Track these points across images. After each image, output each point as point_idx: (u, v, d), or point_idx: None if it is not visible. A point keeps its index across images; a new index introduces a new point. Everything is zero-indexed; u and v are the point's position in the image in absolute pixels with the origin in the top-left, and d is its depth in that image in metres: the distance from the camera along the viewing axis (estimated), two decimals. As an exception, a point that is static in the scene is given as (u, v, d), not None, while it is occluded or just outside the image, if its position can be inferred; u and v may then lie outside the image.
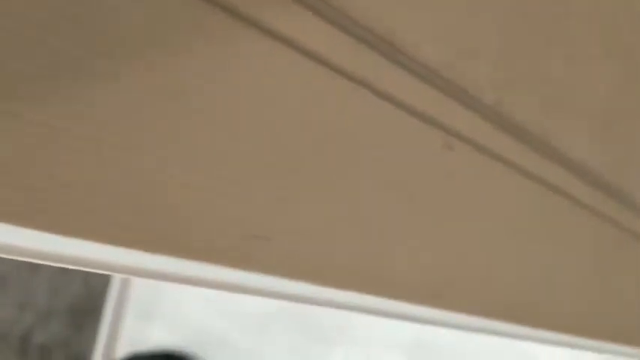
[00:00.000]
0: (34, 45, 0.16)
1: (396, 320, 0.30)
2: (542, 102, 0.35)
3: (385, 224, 0.27)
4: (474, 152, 0.31)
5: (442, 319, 0.32)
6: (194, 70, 0.20)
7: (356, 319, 1.04)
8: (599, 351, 0.48)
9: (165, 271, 0.21)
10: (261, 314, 1.16)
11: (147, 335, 1.28)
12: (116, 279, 1.32)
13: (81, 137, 0.17)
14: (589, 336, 0.43)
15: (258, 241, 0.22)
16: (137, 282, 1.32)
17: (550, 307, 0.39)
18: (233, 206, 0.21)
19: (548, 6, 0.34)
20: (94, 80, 0.17)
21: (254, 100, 0.21)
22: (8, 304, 1.24)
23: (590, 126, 0.40)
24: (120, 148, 0.18)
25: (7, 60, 0.16)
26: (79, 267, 0.19)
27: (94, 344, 1.31)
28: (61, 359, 1.31)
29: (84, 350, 1.32)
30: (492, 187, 0.32)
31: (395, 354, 0.99)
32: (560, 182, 0.37)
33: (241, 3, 0.20)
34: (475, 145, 0.30)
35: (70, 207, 0.17)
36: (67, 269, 1.30)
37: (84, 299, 1.33)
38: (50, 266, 1.26)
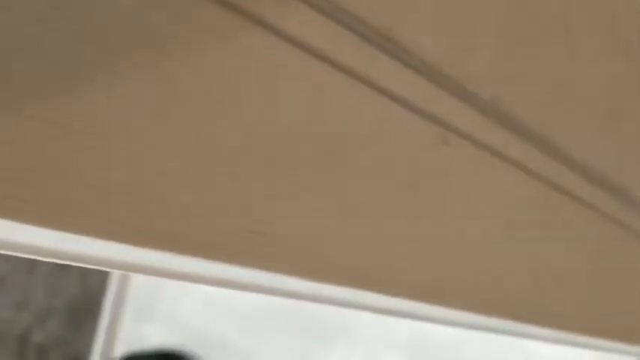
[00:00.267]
0: (42, 43, 0.16)
1: (395, 318, 0.30)
2: (540, 97, 0.35)
3: (383, 220, 0.26)
4: (472, 148, 0.30)
5: (442, 317, 0.32)
6: (194, 66, 0.20)
7: (355, 319, 1.04)
8: (602, 349, 0.48)
9: (162, 268, 0.21)
10: (259, 313, 1.16)
11: (145, 335, 1.28)
12: (114, 278, 1.31)
13: (80, 132, 0.17)
14: (590, 334, 0.43)
15: (257, 237, 0.22)
16: (135, 281, 1.32)
17: (550, 304, 0.39)
18: (231, 202, 0.21)
19: (548, 0, 0.34)
20: (97, 78, 0.17)
21: (252, 96, 0.21)
22: (6, 304, 1.24)
23: (590, 122, 0.40)
24: (118, 144, 0.18)
25: (13, 57, 0.15)
26: (77, 263, 0.19)
27: (92, 344, 1.31)
28: (59, 359, 1.31)
29: (82, 350, 1.32)
30: (490, 183, 0.32)
31: (395, 353, 0.99)
32: (560, 179, 0.37)
33: (238, -3, 0.20)
34: (473, 140, 0.30)
35: (67, 202, 0.17)
36: (65, 269, 1.29)
37: (82, 299, 1.33)
38: (48, 266, 1.26)
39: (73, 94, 0.17)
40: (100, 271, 1.31)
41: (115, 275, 1.31)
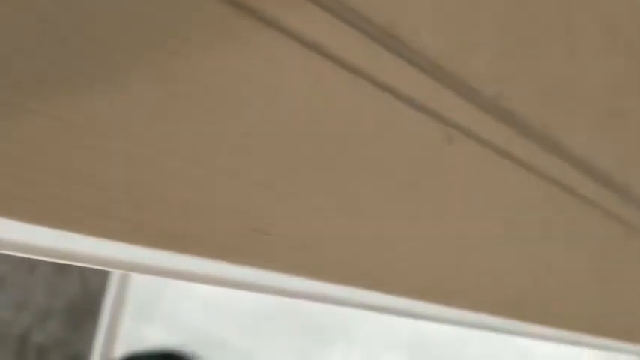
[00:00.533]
0: (48, 41, 0.16)
1: (396, 317, 0.30)
2: (543, 95, 0.35)
3: (386, 218, 0.26)
4: (475, 145, 0.30)
5: (444, 315, 0.32)
6: (197, 63, 0.19)
7: (355, 319, 1.04)
8: (605, 348, 0.48)
9: (163, 267, 0.21)
10: (259, 313, 1.16)
11: (145, 335, 1.27)
12: (114, 278, 1.31)
13: (82, 131, 0.17)
14: (592, 333, 0.43)
15: (258, 236, 0.22)
16: (135, 281, 1.32)
17: (553, 302, 0.39)
18: (232, 200, 0.21)
19: (549, -2, 0.34)
20: (103, 77, 0.17)
21: (253, 94, 0.21)
22: (6, 304, 1.24)
23: (592, 120, 0.39)
24: (121, 143, 0.18)
25: (16, 55, 0.15)
26: (79, 263, 0.19)
27: (92, 344, 1.31)
28: (59, 359, 1.30)
29: (82, 350, 1.32)
30: (493, 180, 0.32)
31: (395, 353, 0.99)
32: (562, 177, 0.37)
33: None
34: (476, 138, 0.30)
35: (68, 201, 0.17)
36: (65, 269, 1.29)
37: (82, 299, 1.33)
38: (48, 266, 1.26)
39: (76, 92, 0.17)
40: (100, 271, 1.31)
41: (115, 275, 1.31)
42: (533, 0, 0.33)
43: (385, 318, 0.98)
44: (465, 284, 0.31)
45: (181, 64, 0.19)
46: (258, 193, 0.22)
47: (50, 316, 1.29)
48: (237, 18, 0.20)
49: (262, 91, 0.21)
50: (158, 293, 1.29)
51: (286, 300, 0.22)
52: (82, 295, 1.33)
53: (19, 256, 0.18)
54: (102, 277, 1.33)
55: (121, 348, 1.29)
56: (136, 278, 1.31)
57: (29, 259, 0.19)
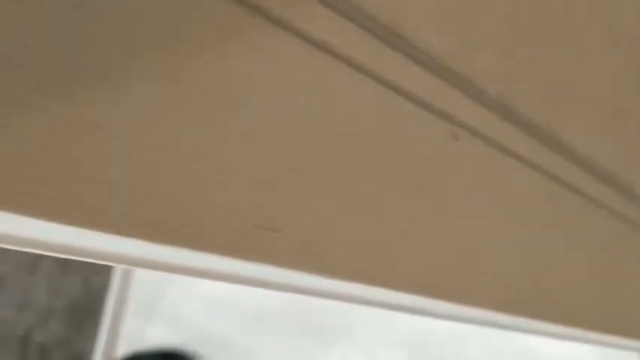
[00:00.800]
0: (63, 42, 0.16)
1: (401, 313, 0.30)
2: (547, 94, 0.35)
3: (392, 215, 0.26)
4: (480, 143, 0.30)
5: (448, 312, 0.32)
6: (202, 61, 0.20)
7: (356, 318, 1.04)
8: (606, 345, 0.48)
9: (171, 263, 0.21)
10: (261, 312, 1.16)
11: (147, 334, 1.27)
12: (116, 278, 1.31)
13: (89, 128, 0.17)
14: (594, 329, 0.43)
15: (264, 233, 0.22)
16: (137, 281, 1.32)
17: (555, 299, 0.39)
18: (242, 197, 0.21)
19: (553, -2, 0.34)
20: (108, 76, 0.17)
21: (258, 91, 0.21)
22: (8, 304, 1.24)
23: (596, 119, 0.40)
24: (127, 139, 0.18)
25: (23, 54, 0.15)
26: (86, 258, 0.19)
27: (94, 344, 1.31)
28: (61, 359, 1.30)
29: (84, 350, 1.32)
30: (497, 178, 0.32)
31: (395, 352, 0.99)
32: (565, 175, 0.37)
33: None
34: (481, 136, 0.30)
35: (74, 197, 0.17)
36: (67, 269, 1.29)
37: (84, 299, 1.33)
38: (49, 266, 1.26)
39: (77, 92, 0.17)
40: (102, 271, 1.31)
41: (117, 275, 1.31)
42: (538, 0, 0.33)
43: (385, 317, 0.98)
44: (470, 281, 0.31)
45: (188, 63, 0.19)
46: (267, 191, 0.22)
47: (52, 316, 1.29)
48: (241, 17, 0.21)
49: (268, 88, 0.22)
50: (160, 293, 1.29)
51: (287, 299, 0.22)
52: (83, 295, 1.33)
53: (20, 257, 0.18)
54: (104, 276, 1.33)
55: (123, 347, 1.29)
56: (138, 278, 1.31)
57: (30, 259, 0.19)
